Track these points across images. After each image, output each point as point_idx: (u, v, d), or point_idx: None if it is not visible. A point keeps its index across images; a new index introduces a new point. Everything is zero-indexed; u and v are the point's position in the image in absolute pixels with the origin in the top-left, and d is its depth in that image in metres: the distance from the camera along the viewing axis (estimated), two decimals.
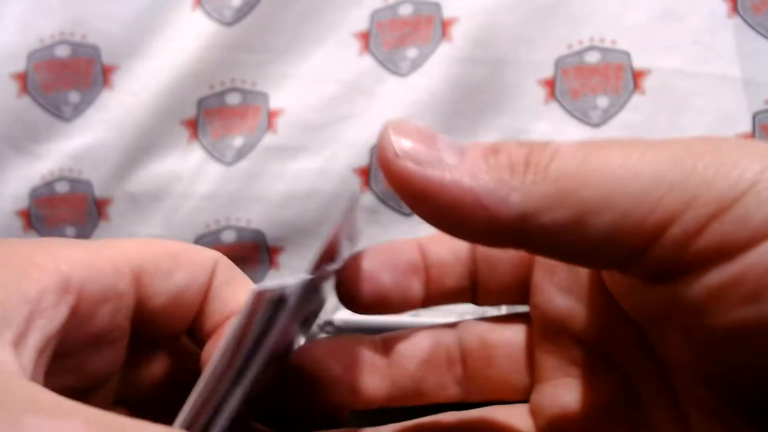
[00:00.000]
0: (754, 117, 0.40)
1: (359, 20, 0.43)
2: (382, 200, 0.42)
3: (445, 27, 0.43)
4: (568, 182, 0.15)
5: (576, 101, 0.41)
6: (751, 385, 0.16)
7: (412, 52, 0.43)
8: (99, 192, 0.43)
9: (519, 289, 0.22)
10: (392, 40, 0.43)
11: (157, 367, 0.24)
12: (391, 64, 0.43)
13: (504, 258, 0.22)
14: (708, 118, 0.40)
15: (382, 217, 0.42)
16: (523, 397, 0.23)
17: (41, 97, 0.44)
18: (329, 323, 0.35)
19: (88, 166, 0.43)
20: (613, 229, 0.15)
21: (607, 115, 0.41)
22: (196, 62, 0.43)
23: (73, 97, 0.44)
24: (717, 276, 0.15)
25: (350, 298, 0.22)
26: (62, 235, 0.43)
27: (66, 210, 0.43)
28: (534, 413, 0.22)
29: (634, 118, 0.41)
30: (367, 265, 0.21)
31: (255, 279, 0.42)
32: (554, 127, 0.41)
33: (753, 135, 0.39)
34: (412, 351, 0.23)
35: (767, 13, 0.41)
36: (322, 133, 0.42)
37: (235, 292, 0.23)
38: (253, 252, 0.42)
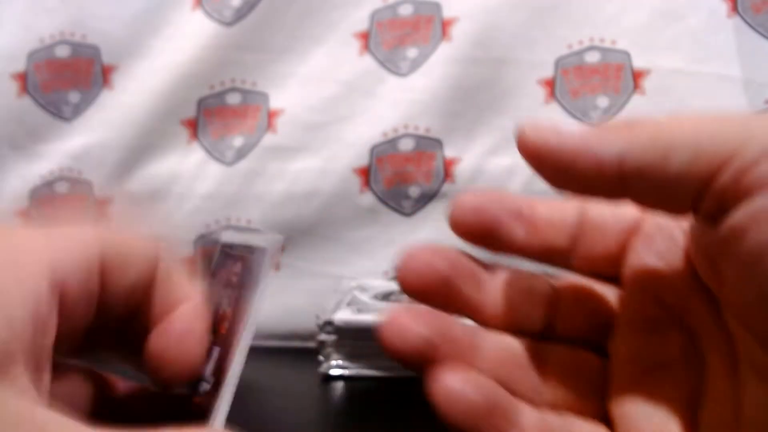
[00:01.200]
0: None
1: (359, 20, 0.43)
2: (382, 200, 0.42)
3: (445, 27, 0.43)
4: (657, 131, 0.20)
5: (576, 101, 0.41)
6: None
7: (412, 52, 0.43)
8: (99, 192, 0.43)
9: (614, 260, 0.24)
10: (392, 40, 0.43)
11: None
12: (391, 64, 0.43)
13: (611, 227, 0.24)
14: None
15: (382, 217, 0.42)
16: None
17: (41, 97, 0.44)
18: (329, 323, 0.35)
19: (88, 166, 0.43)
20: (689, 163, 0.20)
21: (607, 115, 0.41)
22: (196, 62, 0.43)
23: (73, 97, 0.44)
24: (757, 203, 0.19)
25: (460, 225, 0.23)
26: None
27: (66, 210, 0.43)
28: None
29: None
30: (475, 199, 0.23)
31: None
32: None
33: None
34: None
35: (767, 12, 0.41)
36: (322, 133, 0.42)
37: (177, 285, 0.23)
38: None
